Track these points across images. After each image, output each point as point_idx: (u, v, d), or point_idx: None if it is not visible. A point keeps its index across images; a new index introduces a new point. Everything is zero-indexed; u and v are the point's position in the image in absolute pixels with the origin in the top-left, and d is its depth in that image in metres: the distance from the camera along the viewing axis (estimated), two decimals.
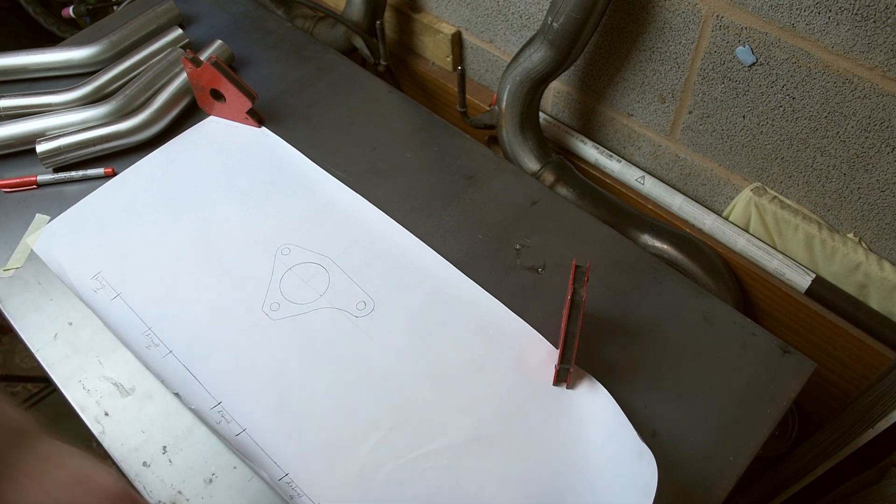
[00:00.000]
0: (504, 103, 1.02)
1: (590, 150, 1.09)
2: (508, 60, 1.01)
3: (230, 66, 0.99)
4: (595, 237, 0.84)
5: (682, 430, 0.69)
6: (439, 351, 0.75)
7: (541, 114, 1.12)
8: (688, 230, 1.01)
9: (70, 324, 0.79)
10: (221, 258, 0.83)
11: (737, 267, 0.98)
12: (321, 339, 0.76)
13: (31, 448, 0.51)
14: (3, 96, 0.96)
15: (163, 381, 0.73)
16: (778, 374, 0.72)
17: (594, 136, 1.12)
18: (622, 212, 1.01)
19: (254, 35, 1.08)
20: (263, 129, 0.95)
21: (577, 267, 0.68)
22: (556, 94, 1.12)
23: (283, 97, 0.99)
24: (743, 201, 0.96)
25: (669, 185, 1.05)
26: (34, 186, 0.91)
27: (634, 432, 0.64)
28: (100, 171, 0.92)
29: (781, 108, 0.84)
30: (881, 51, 0.72)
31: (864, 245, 0.89)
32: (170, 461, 0.69)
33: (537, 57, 0.93)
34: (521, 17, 1.05)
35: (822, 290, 0.92)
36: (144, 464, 0.69)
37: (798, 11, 0.75)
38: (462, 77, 1.05)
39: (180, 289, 0.81)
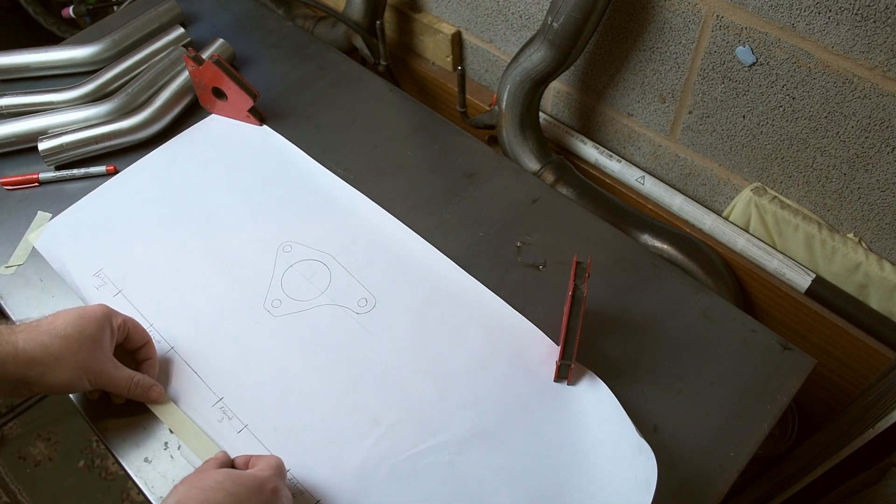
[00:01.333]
0: (504, 103, 1.02)
1: (590, 150, 1.09)
2: (508, 60, 1.01)
3: (232, 65, 1.00)
4: (596, 234, 0.85)
5: (683, 425, 0.69)
6: (440, 347, 0.75)
7: (541, 114, 1.13)
8: (688, 230, 1.01)
9: None
10: (223, 255, 0.83)
11: (737, 267, 0.98)
12: (323, 336, 0.76)
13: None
14: (5, 94, 0.96)
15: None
16: (778, 370, 0.72)
17: (594, 136, 1.12)
18: (622, 212, 1.01)
19: (255, 34, 1.09)
20: (265, 127, 0.96)
21: (578, 263, 0.69)
22: (556, 94, 1.12)
23: (284, 96, 1.00)
24: (743, 201, 0.96)
25: (669, 185, 1.05)
26: (36, 184, 0.91)
27: (634, 428, 0.64)
28: (101, 168, 0.92)
29: (781, 108, 0.85)
30: (881, 51, 0.72)
31: (864, 245, 0.90)
32: (171, 457, 0.69)
33: (537, 57, 0.94)
34: (521, 17, 1.06)
35: (822, 290, 0.92)
36: (146, 459, 0.69)
37: (798, 11, 0.75)
38: (462, 77, 1.06)
39: (182, 286, 0.81)
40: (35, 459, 1.60)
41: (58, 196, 0.90)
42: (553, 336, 0.75)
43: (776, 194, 0.94)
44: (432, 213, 0.86)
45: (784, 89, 0.83)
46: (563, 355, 0.68)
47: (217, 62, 0.90)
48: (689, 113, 0.95)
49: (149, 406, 0.71)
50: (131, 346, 0.72)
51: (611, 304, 0.78)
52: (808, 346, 0.97)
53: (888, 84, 0.74)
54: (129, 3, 1.15)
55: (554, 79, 0.99)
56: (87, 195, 0.90)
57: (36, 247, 0.85)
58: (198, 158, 0.93)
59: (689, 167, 1.02)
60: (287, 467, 0.67)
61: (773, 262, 0.94)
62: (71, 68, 1.02)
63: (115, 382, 0.68)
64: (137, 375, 0.69)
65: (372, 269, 0.81)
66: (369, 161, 0.92)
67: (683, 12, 0.85)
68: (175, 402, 0.72)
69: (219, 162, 0.92)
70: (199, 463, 0.68)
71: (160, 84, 0.97)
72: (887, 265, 0.88)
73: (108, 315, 0.68)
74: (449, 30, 1.18)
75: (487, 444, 0.68)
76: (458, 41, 1.20)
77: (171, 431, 0.70)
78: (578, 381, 0.71)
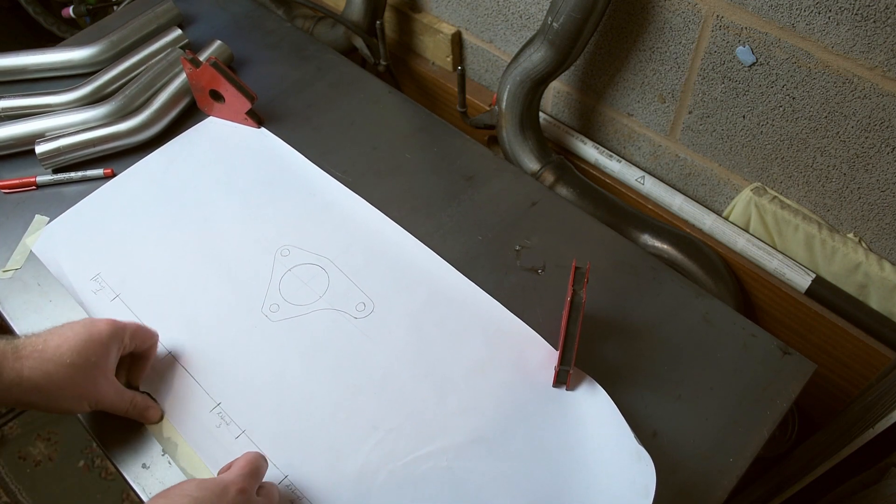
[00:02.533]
0: (504, 103, 1.02)
1: (590, 150, 1.09)
2: (508, 60, 1.00)
3: (230, 67, 0.99)
4: (595, 238, 0.84)
5: (682, 431, 0.69)
6: (439, 352, 0.75)
7: (541, 114, 1.12)
8: (688, 230, 1.01)
9: None
10: (221, 259, 0.83)
11: (737, 267, 0.98)
12: (321, 341, 0.76)
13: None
14: (3, 97, 0.96)
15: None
16: (778, 375, 0.72)
17: (594, 136, 1.12)
18: (622, 212, 1.00)
19: (253, 35, 1.08)
20: (263, 129, 0.95)
21: (576, 268, 0.68)
22: (556, 94, 1.12)
23: (282, 97, 0.99)
24: (743, 201, 0.96)
25: (669, 185, 1.04)
26: (33, 187, 0.91)
27: (633, 434, 0.64)
28: (99, 171, 0.91)
29: (781, 108, 0.84)
30: (881, 51, 0.72)
31: (864, 245, 0.89)
32: (169, 462, 0.69)
33: (537, 57, 0.93)
34: (521, 17, 1.05)
35: (822, 290, 0.92)
36: (144, 465, 0.69)
37: (798, 11, 0.75)
38: (462, 77, 1.05)
39: (179, 290, 0.81)
40: (35, 459, 1.60)
41: (55, 199, 0.90)
42: (552, 341, 0.75)
43: (776, 194, 0.94)
44: (431, 216, 0.86)
45: (784, 89, 0.82)
46: (562, 360, 0.68)
47: (214, 65, 0.89)
48: (689, 113, 0.94)
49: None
50: (138, 351, 0.73)
51: (610, 308, 0.78)
52: (808, 347, 0.97)
53: (888, 84, 0.74)
54: (129, 3, 1.14)
55: (554, 79, 0.98)
56: (85, 198, 0.89)
57: (33, 251, 0.85)
58: (195, 161, 0.93)
59: (689, 167, 1.02)
60: (285, 472, 0.67)
61: (773, 262, 0.94)
62: (68, 70, 1.02)
63: (115, 406, 0.69)
64: (137, 397, 0.70)
65: (370, 273, 0.81)
66: (368, 163, 0.91)
67: (683, 12, 0.85)
68: (173, 406, 0.72)
69: (217, 165, 0.92)
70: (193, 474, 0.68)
71: (158, 86, 0.97)
72: (887, 265, 0.87)
73: (115, 334, 0.68)
74: (449, 30, 1.18)
75: (486, 450, 0.68)
76: (458, 41, 1.20)
77: (164, 452, 0.70)
78: (577, 386, 0.71)
